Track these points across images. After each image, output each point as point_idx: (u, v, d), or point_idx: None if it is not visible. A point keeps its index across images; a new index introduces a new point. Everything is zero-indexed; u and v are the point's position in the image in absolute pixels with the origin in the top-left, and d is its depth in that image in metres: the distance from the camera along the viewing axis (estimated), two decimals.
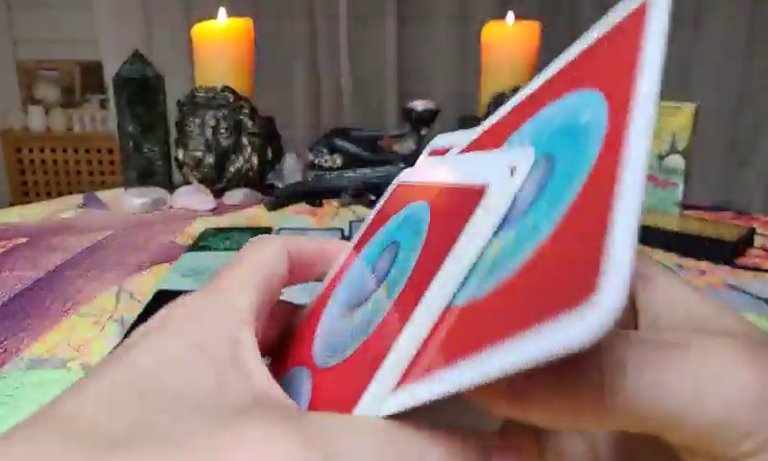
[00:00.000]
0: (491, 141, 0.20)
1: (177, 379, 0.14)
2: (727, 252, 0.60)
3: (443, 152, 0.24)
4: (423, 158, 0.25)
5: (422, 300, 0.14)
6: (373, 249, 0.20)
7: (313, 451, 0.12)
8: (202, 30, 0.82)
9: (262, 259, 0.19)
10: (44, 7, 2.15)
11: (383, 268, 0.18)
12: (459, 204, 0.16)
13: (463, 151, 0.22)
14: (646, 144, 0.12)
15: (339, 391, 0.15)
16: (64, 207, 0.78)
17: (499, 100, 0.85)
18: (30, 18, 2.17)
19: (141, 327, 0.16)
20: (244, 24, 0.83)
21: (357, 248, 0.22)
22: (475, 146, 0.21)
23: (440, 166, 0.22)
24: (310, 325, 0.20)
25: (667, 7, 0.14)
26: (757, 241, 0.66)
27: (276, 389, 0.15)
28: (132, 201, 0.77)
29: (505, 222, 0.15)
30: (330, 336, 0.18)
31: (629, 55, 0.14)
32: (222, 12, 0.82)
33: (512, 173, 0.15)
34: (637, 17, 0.15)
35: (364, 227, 0.23)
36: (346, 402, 0.14)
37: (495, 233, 0.15)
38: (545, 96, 0.18)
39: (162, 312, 0.17)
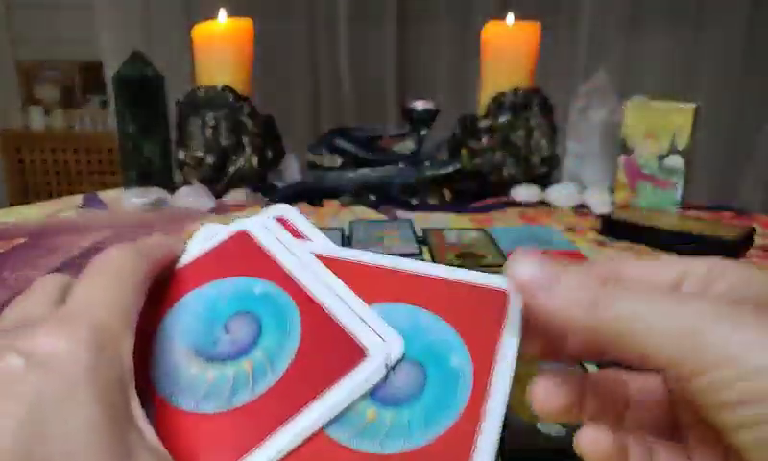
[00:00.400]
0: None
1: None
2: (726, 251, 0.60)
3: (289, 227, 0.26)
4: (268, 222, 0.26)
5: (289, 426, 0.18)
6: (221, 302, 0.22)
7: None
8: (202, 30, 0.82)
9: (125, 271, 0.20)
10: (44, 7, 2.15)
11: (243, 340, 0.21)
12: (334, 344, 0.20)
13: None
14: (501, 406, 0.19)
15: (224, 441, 0.19)
16: (64, 208, 0.78)
17: (499, 100, 0.85)
18: (30, 18, 2.17)
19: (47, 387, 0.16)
20: (244, 25, 0.83)
21: (190, 276, 0.23)
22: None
23: (302, 265, 0.24)
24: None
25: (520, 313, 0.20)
26: (757, 241, 0.67)
27: (159, 445, 0.17)
28: (132, 201, 0.77)
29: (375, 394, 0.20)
30: (178, 377, 0.20)
31: (492, 325, 0.20)
32: (222, 12, 0.82)
33: (388, 358, 0.20)
34: (500, 299, 0.21)
35: (194, 252, 0.25)
36: (233, 453, 0.18)
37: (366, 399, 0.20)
38: (383, 286, 0.23)
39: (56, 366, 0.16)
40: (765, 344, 0.15)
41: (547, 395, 0.20)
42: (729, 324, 0.16)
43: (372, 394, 0.20)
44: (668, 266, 0.20)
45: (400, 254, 0.59)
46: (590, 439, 0.19)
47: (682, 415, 0.20)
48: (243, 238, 0.25)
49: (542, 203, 0.83)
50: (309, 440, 0.19)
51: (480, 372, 0.20)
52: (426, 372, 0.20)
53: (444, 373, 0.20)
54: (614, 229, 0.68)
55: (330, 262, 0.24)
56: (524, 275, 0.18)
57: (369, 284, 0.23)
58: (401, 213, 0.77)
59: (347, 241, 0.64)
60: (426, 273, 0.23)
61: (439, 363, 0.20)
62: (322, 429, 0.19)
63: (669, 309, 0.17)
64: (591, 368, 0.35)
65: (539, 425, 0.32)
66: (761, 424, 0.15)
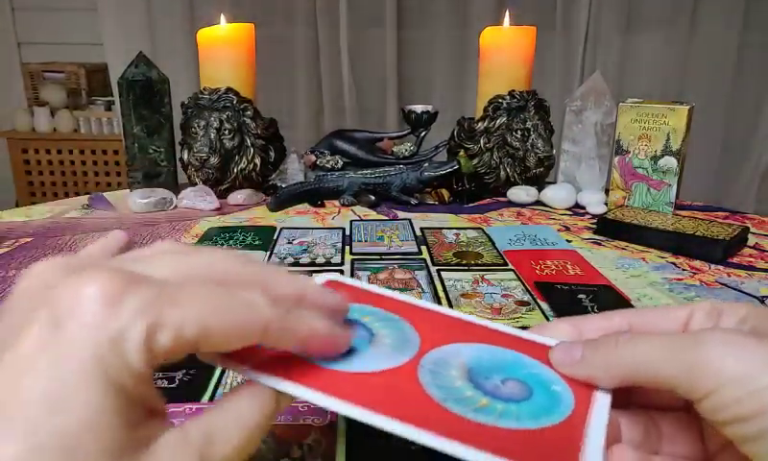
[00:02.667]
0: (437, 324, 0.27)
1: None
2: (720, 251, 0.61)
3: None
4: None
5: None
6: (494, 370, 0.24)
7: None
8: (206, 34, 0.83)
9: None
10: (50, 10, 2.17)
11: (516, 393, 0.23)
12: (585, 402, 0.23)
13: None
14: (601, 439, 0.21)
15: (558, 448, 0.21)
16: (70, 208, 0.79)
17: (496, 103, 0.86)
18: (35, 21, 2.19)
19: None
20: (246, 29, 0.84)
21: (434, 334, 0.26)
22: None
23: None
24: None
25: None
26: (751, 240, 0.67)
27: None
28: (137, 201, 0.78)
29: None
30: (452, 391, 0.22)
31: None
32: (222, 18, 0.83)
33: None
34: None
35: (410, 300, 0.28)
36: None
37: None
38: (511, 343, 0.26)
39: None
40: (758, 367, 0.18)
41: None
42: (723, 350, 0.19)
43: (482, 388, 0.22)
44: (676, 310, 0.24)
45: (401, 254, 0.60)
46: (618, 457, 0.22)
47: (710, 444, 0.23)
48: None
49: (539, 203, 0.85)
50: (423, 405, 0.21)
51: (580, 400, 0.22)
52: (532, 389, 0.23)
53: (548, 393, 0.23)
54: (609, 229, 0.69)
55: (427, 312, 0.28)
56: (556, 359, 0.24)
57: (469, 329, 0.27)
58: (401, 213, 0.78)
59: (347, 240, 0.66)
60: (503, 330, 0.27)
61: (543, 386, 0.23)
62: (437, 402, 0.21)
63: (670, 345, 0.20)
64: None
65: None
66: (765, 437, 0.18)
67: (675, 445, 0.23)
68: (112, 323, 0.16)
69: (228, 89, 0.81)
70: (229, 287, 0.19)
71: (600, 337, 0.24)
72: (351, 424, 0.32)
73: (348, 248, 0.63)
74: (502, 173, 0.87)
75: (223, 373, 0.37)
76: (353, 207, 0.80)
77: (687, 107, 0.71)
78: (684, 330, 0.23)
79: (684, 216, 0.73)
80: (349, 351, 0.23)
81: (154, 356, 0.17)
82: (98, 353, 0.16)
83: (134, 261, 0.20)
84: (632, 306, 0.48)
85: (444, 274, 0.56)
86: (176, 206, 0.80)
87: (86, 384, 0.16)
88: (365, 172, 0.84)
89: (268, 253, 0.61)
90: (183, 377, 0.36)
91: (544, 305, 0.49)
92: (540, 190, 0.85)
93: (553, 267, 0.58)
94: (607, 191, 0.82)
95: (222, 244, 0.64)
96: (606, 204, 0.80)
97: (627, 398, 0.24)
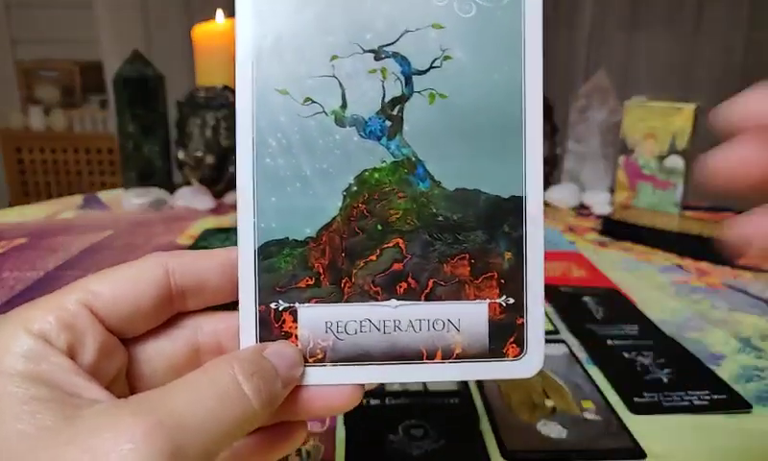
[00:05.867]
0: None
1: None
2: (725, 252, 0.60)
3: None
4: None
5: None
6: None
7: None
8: (202, 31, 0.82)
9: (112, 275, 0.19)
10: (44, 7, 2.15)
11: None
12: None
13: None
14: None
15: None
16: (64, 208, 0.78)
17: None
18: (29, 18, 2.17)
19: None
20: None
21: None
22: None
23: None
24: None
25: None
26: None
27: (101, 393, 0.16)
28: (132, 201, 0.77)
29: None
30: None
31: None
32: (219, 13, 0.82)
33: None
34: None
35: None
36: None
37: None
38: None
39: None
40: None
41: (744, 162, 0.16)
42: None
43: None
44: None
45: None
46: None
47: None
48: None
49: (543, 203, 0.83)
50: None
51: None
52: None
53: None
54: (615, 229, 0.68)
55: None
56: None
57: None
58: None
59: None
60: None
61: None
62: None
63: None
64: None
65: (538, 426, 0.32)
66: None
67: None
68: None
69: (225, 87, 0.80)
70: None
71: None
72: (350, 429, 0.31)
73: None
74: None
75: None
76: None
77: (693, 106, 0.70)
78: None
79: (690, 217, 0.72)
80: None
81: None
82: None
83: None
84: (638, 310, 0.47)
85: None
86: (171, 206, 0.79)
87: None
88: None
89: None
90: None
91: (548, 308, 0.48)
92: (544, 190, 0.84)
93: (557, 269, 0.57)
94: (612, 191, 0.81)
95: (218, 245, 0.62)
96: (611, 204, 0.79)
97: None
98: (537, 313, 0.20)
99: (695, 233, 0.62)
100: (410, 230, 0.20)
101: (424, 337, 0.20)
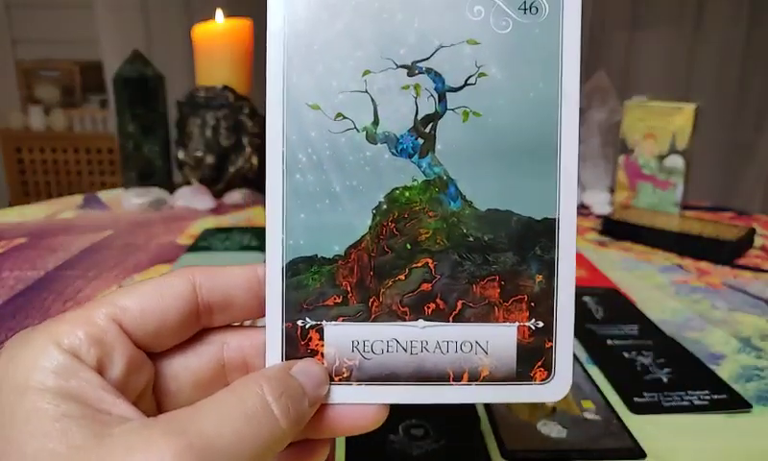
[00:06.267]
0: None
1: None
2: (726, 252, 0.60)
3: None
4: None
5: None
6: None
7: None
8: (202, 30, 0.82)
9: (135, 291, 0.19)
10: (44, 7, 2.15)
11: None
12: None
13: None
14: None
15: None
16: (64, 208, 0.78)
17: None
18: (30, 18, 2.17)
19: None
20: (244, 25, 0.83)
21: None
22: None
23: None
24: None
25: None
26: (757, 241, 0.66)
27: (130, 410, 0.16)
28: (132, 201, 0.77)
29: None
30: None
31: None
32: (219, 13, 0.82)
33: None
34: None
35: None
36: None
37: None
38: None
39: None
40: None
41: None
42: None
43: None
44: None
45: None
46: None
47: None
48: None
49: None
50: None
51: None
52: None
53: None
54: (615, 229, 0.68)
55: None
56: None
57: None
58: None
59: None
60: None
61: None
62: None
63: None
64: None
65: (538, 425, 0.32)
66: None
67: None
68: None
69: (225, 87, 0.80)
70: None
71: None
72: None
73: None
74: None
75: None
76: None
77: (693, 106, 0.70)
78: None
79: (691, 217, 0.72)
80: None
81: None
82: None
83: None
84: (638, 309, 0.47)
85: None
86: (171, 206, 0.79)
87: None
88: None
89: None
90: None
91: None
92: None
93: None
94: (612, 191, 0.81)
95: (218, 245, 0.62)
96: (611, 203, 0.79)
97: None
98: (566, 337, 0.19)
99: (695, 233, 0.62)
100: (439, 249, 0.19)
101: (451, 359, 0.19)
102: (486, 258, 0.19)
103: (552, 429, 0.31)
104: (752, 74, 1.72)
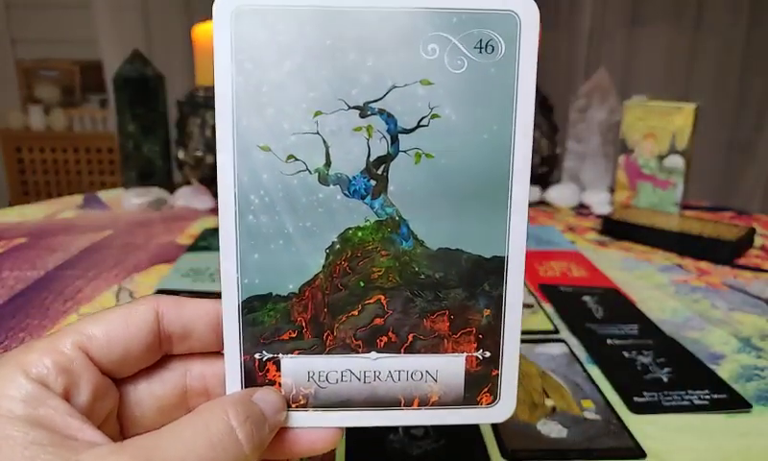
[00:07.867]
0: None
1: None
2: (727, 252, 0.60)
3: None
4: None
5: None
6: None
7: None
8: (202, 30, 0.82)
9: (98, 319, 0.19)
10: (44, 6, 2.14)
11: None
12: None
13: None
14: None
15: None
16: (64, 207, 0.78)
17: None
18: (29, 18, 2.17)
19: None
20: None
21: None
22: None
23: None
24: None
25: None
26: (757, 241, 0.67)
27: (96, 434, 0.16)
28: (132, 201, 0.77)
29: None
30: None
31: None
32: None
33: None
34: None
35: None
36: None
37: None
38: None
39: None
40: None
41: None
42: None
43: None
44: None
45: None
46: None
47: None
48: None
49: (543, 203, 0.83)
50: None
51: None
52: None
53: None
54: (614, 229, 0.68)
55: None
56: None
57: None
58: None
59: None
60: None
61: None
62: None
63: None
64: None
65: (538, 425, 0.32)
66: None
67: None
68: None
69: None
70: None
71: None
72: (350, 429, 0.31)
73: None
74: None
75: None
76: None
77: (693, 106, 0.70)
78: None
79: (691, 216, 0.72)
80: None
81: None
82: None
83: None
84: (637, 309, 0.47)
85: None
86: (171, 206, 0.79)
87: None
88: None
89: None
90: None
91: (548, 308, 0.48)
92: (543, 189, 0.84)
93: (557, 268, 0.57)
94: (612, 190, 0.81)
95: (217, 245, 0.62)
96: (611, 203, 0.79)
97: None
98: (511, 365, 0.21)
99: (695, 233, 0.62)
100: (392, 287, 0.20)
101: (403, 386, 0.20)
102: (437, 295, 0.20)
103: (552, 429, 0.31)
104: (752, 74, 1.72)
